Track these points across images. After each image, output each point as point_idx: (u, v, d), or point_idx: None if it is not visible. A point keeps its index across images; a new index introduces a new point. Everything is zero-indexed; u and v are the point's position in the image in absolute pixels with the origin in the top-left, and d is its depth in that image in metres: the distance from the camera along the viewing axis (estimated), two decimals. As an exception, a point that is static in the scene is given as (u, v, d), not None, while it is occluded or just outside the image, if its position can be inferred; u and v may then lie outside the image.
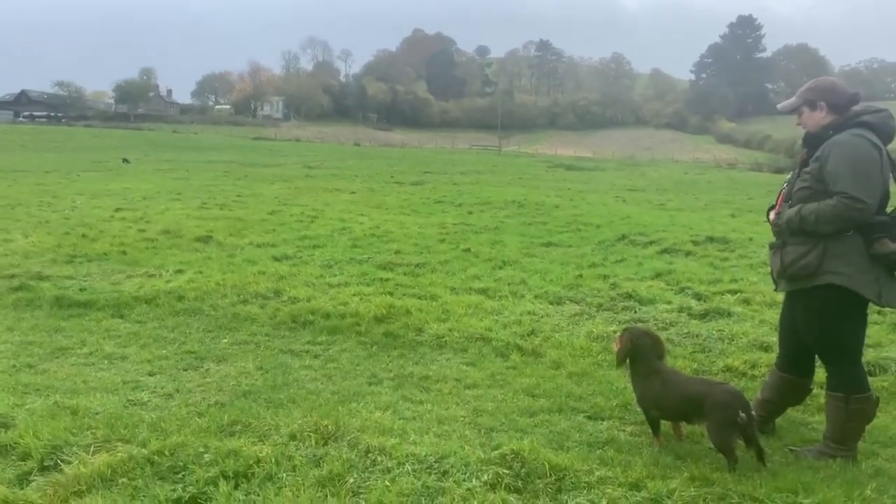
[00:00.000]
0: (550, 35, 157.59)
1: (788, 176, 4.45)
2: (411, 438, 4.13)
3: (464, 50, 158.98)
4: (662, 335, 6.65)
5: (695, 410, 4.07)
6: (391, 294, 8.19)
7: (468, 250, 11.47)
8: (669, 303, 7.87)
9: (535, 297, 8.20)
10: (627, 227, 14.67)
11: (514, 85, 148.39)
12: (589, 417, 4.81)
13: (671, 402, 4.21)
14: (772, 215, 4.39)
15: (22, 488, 3.47)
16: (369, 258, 10.67)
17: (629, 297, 8.08)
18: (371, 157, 58.34)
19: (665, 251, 11.72)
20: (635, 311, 7.57)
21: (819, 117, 4.19)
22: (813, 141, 4.19)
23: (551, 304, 7.92)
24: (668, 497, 3.38)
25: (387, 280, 9.06)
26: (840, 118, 4.12)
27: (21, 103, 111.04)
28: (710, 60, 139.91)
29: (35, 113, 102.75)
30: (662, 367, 4.45)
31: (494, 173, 39.72)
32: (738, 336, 6.59)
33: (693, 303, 7.86)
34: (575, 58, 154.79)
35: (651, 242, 12.45)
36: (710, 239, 12.69)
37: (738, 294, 8.23)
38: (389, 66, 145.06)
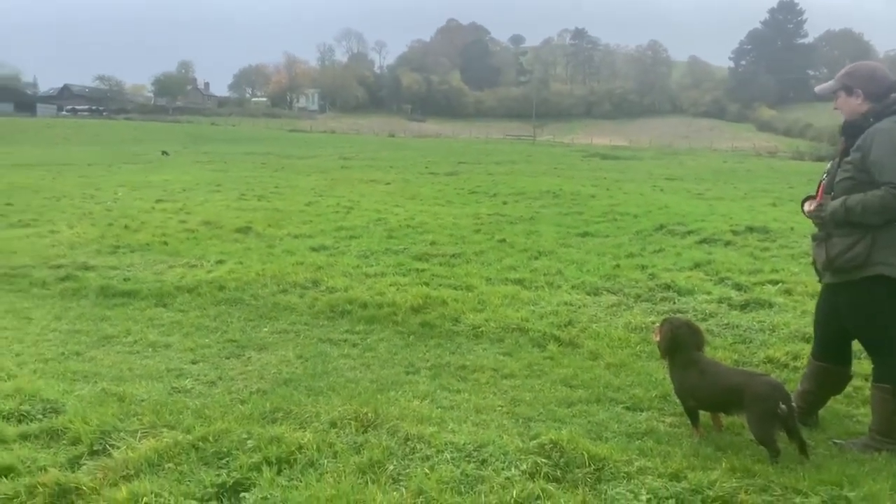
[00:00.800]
0: (586, 23, 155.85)
1: (828, 166, 4.35)
2: (450, 427, 4.16)
3: (498, 39, 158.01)
4: (702, 326, 6.62)
5: (734, 402, 4.03)
6: (427, 284, 8.23)
7: (503, 241, 11.46)
8: (709, 293, 7.77)
9: (572, 287, 8.16)
10: (665, 216, 14.49)
11: (549, 74, 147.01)
12: (627, 408, 4.79)
13: (710, 392, 4.17)
14: (807, 206, 4.30)
15: (73, 471, 3.58)
16: (405, 249, 10.72)
17: (668, 287, 8.00)
18: (405, 147, 58.47)
19: (704, 241, 11.56)
20: (674, 302, 7.50)
21: (855, 104, 4.08)
22: (852, 130, 4.08)
23: (588, 294, 7.88)
24: (709, 488, 3.35)
25: (423, 270, 9.11)
26: (879, 106, 4.00)
27: (64, 97, 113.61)
28: (749, 47, 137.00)
29: (77, 107, 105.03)
30: (701, 357, 4.40)
31: (529, 163, 39.52)
32: (780, 327, 6.49)
33: (733, 293, 7.75)
34: (611, 45, 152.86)
35: (689, 232, 12.28)
36: (750, 229, 12.47)
37: (780, 284, 8.09)
38: (424, 57, 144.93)
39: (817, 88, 4.38)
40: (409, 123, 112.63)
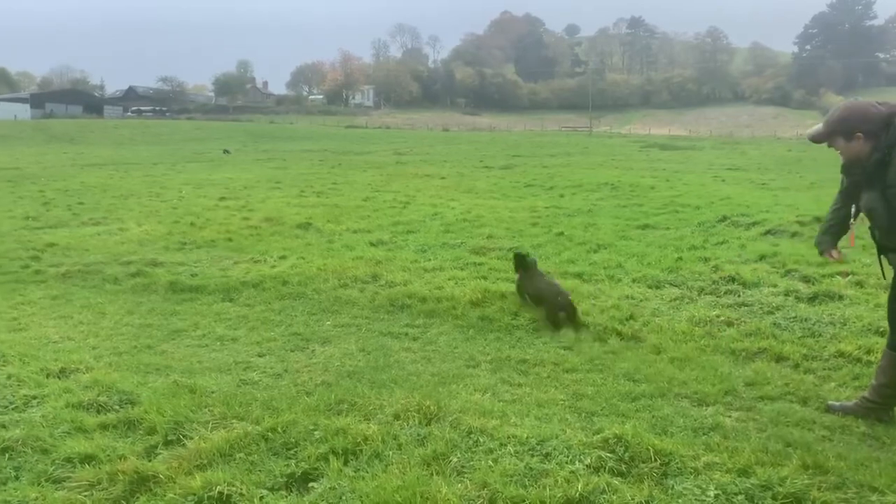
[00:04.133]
0: (642, 11, 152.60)
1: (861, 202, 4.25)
2: (512, 420, 4.17)
3: (553, 30, 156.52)
4: (768, 319, 6.47)
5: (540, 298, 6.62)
6: (485, 278, 8.25)
7: (561, 234, 11.37)
8: (775, 286, 7.57)
9: (633, 280, 8.06)
10: (728, 207, 14.14)
11: (605, 64, 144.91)
12: (693, 403, 4.72)
13: (531, 291, 6.87)
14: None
15: (150, 460, 3.72)
16: (462, 243, 10.75)
17: (732, 280, 7.82)
18: (459, 142, 58.51)
19: (769, 232, 11.24)
20: (739, 295, 7.33)
21: (858, 147, 4.00)
22: (857, 168, 4.09)
23: (650, 287, 7.77)
24: (780, 484, 3.28)
25: (480, 264, 9.13)
26: (882, 139, 3.92)
27: (129, 99, 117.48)
28: (814, 31, 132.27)
29: (142, 108, 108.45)
30: (535, 272, 7.07)
31: (585, 155, 39.09)
32: (851, 320, 6.28)
33: (801, 286, 7.53)
34: (669, 34, 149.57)
35: (754, 223, 11.96)
36: (818, 219, 12.02)
37: (850, 276, 7.82)
38: (477, 50, 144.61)
39: (808, 134, 4.27)
40: (462, 117, 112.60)
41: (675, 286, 7.83)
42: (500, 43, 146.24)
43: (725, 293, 7.46)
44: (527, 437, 3.78)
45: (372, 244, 10.79)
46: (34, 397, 4.57)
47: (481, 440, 3.79)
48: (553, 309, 6.47)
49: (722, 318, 6.53)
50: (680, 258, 9.20)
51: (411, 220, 13.21)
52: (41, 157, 34.01)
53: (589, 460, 3.51)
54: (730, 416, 4.46)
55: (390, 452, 3.64)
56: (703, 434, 4.10)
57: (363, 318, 7.01)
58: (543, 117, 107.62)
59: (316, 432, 3.90)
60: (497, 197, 17.74)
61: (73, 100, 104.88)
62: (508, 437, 3.80)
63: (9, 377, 4.90)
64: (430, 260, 9.49)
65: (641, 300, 7.29)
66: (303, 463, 3.55)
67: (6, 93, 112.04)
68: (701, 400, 4.76)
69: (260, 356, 5.85)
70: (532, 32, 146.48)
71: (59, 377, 4.99)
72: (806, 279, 7.84)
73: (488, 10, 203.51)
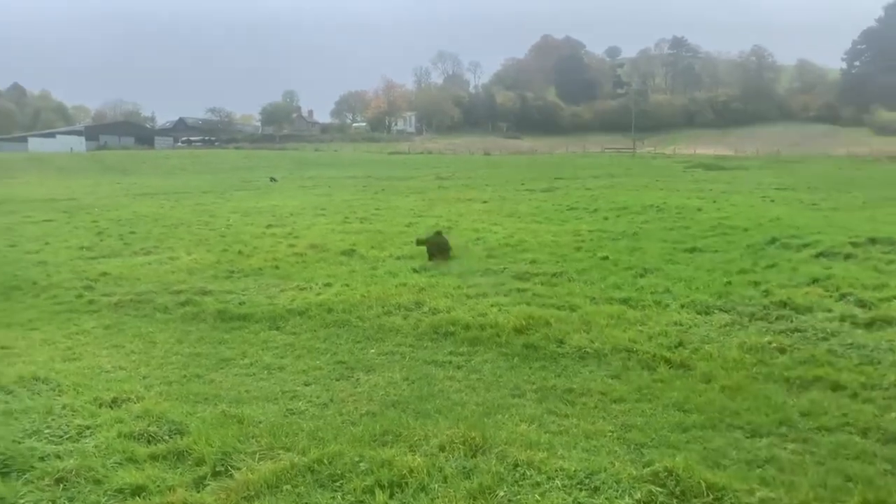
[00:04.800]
0: (684, 30, 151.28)
1: None
2: (559, 453, 4.11)
3: (594, 53, 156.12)
4: (823, 346, 6.27)
5: None
6: (529, 304, 8.19)
7: (606, 258, 11.24)
8: (829, 311, 7.35)
9: (681, 306, 7.91)
10: (778, 229, 13.81)
11: (648, 84, 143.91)
12: (746, 434, 4.59)
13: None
14: None
15: (199, 491, 3.77)
16: (505, 268, 10.70)
17: (784, 305, 7.62)
18: (501, 165, 58.54)
19: (821, 255, 10.93)
20: (791, 320, 7.14)
21: None
22: None
23: (699, 313, 7.61)
24: (841, 523, 3.16)
25: (524, 290, 9.07)
26: None
27: (179, 130, 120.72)
28: (863, 47, 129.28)
29: (191, 138, 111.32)
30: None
31: (629, 176, 38.72)
32: (913, 347, 6.05)
33: (857, 311, 7.29)
34: (712, 53, 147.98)
35: (805, 245, 11.65)
36: (873, 240, 11.69)
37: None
38: (518, 74, 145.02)
39: None
40: (504, 141, 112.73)
41: (725, 311, 7.66)
42: (540, 66, 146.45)
43: (777, 319, 7.27)
44: (575, 471, 3.72)
45: (415, 270, 10.81)
46: (87, 427, 4.67)
47: (528, 473, 3.74)
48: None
49: (774, 344, 6.36)
50: (729, 282, 9.00)
51: (454, 246, 13.19)
52: (95, 187, 35.09)
53: (639, 494, 3.44)
54: (785, 449, 4.32)
55: (436, 485, 3.62)
56: (758, 467, 3.98)
57: (407, 345, 7.01)
58: (586, 139, 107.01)
59: (362, 464, 3.90)
60: (540, 220, 17.65)
61: (125, 132, 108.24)
62: (556, 471, 3.74)
63: (64, 407, 5.02)
64: (472, 286, 9.46)
65: (690, 326, 7.14)
66: (349, 496, 3.56)
67: (63, 126, 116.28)
68: (754, 431, 4.62)
69: (306, 385, 5.88)
70: (573, 55, 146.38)
71: (111, 407, 5.09)
72: (862, 304, 7.60)
73: (528, 35, 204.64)
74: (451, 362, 6.40)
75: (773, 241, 12.31)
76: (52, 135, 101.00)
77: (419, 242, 11.81)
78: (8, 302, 9.63)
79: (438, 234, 12.05)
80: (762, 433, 4.58)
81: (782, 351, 6.22)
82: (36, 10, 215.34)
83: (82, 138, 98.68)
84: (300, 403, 5.36)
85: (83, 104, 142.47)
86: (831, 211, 18.52)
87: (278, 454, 4.14)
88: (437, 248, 11.67)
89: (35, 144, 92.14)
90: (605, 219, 17.45)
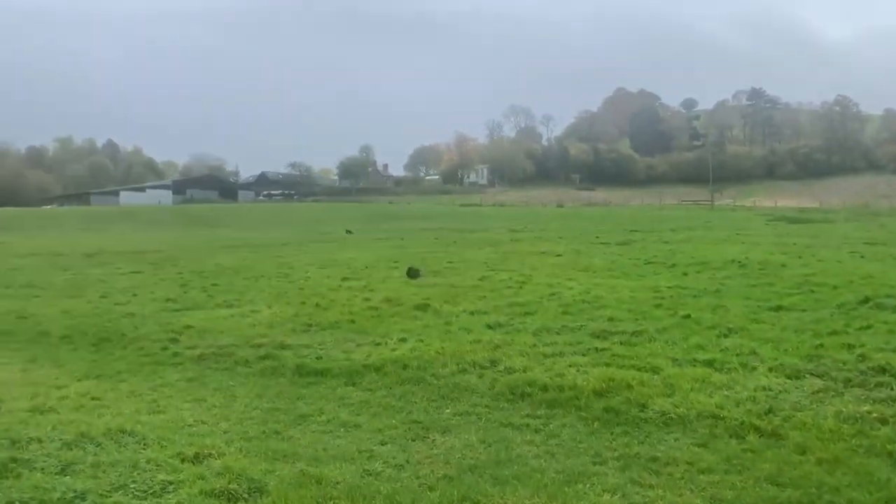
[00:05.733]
0: (762, 82, 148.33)
1: None
2: (645, 528, 3.92)
3: (668, 105, 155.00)
4: (931, 418, 5.84)
5: None
6: (608, 365, 7.98)
7: (688, 316, 10.88)
8: (935, 378, 6.87)
9: (769, 369, 7.55)
10: (871, 287, 13.13)
11: (725, 136, 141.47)
12: (848, 514, 4.28)
13: None
14: None
15: (277, 556, 3.75)
16: (581, 326, 10.50)
17: (883, 370, 7.18)
18: (575, 217, 58.19)
19: (922, 315, 10.30)
20: (892, 388, 6.70)
21: None
22: None
23: (789, 377, 7.25)
24: None
25: (602, 350, 8.86)
26: None
27: (261, 184, 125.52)
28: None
29: (272, 192, 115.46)
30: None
31: (708, 229, 37.78)
32: None
33: (966, 379, 6.80)
34: (792, 104, 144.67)
35: (902, 305, 11.02)
36: (979, 300, 10.97)
37: None
38: (591, 126, 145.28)
39: None
40: (577, 193, 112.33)
41: (817, 376, 7.27)
42: (614, 118, 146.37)
43: (876, 386, 6.85)
44: (663, 549, 3.53)
45: (489, 326, 10.74)
46: (170, 482, 4.76)
47: (613, 550, 3.57)
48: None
49: (874, 414, 5.98)
50: (820, 344, 8.57)
51: (528, 301, 13.08)
52: (180, 239, 36.63)
53: (735, 580, 3.22)
54: (894, 533, 4.00)
55: (516, 560, 3.49)
56: (865, 553, 3.69)
57: (483, 406, 6.92)
58: (661, 191, 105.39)
59: (440, 533, 3.81)
60: (616, 275, 17.33)
61: (210, 185, 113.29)
62: (643, 548, 3.56)
63: (148, 461, 5.14)
64: (548, 344, 9.31)
65: (780, 392, 6.80)
66: (428, 567, 3.46)
67: (153, 180, 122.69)
68: (857, 511, 4.31)
69: (382, 444, 5.85)
70: (647, 107, 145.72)
71: (193, 462, 5.18)
72: (972, 370, 7.08)
73: (602, 88, 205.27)
74: (528, 425, 6.26)
75: (866, 300, 11.69)
76: (142, 188, 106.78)
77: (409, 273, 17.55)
78: (99, 353, 10.03)
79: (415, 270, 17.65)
80: (866, 513, 4.27)
81: (884, 422, 5.83)
82: (129, 67, 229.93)
83: (170, 192, 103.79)
84: (377, 464, 5.32)
85: (172, 159, 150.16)
86: (929, 268, 17.51)
87: (356, 519, 4.10)
88: (414, 273, 17.32)
89: (126, 198, 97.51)
90: (685, 274, 16.99)
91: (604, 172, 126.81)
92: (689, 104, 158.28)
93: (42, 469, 4.96)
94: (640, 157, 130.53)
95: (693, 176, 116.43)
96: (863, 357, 7.76)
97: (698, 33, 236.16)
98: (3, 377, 8.44)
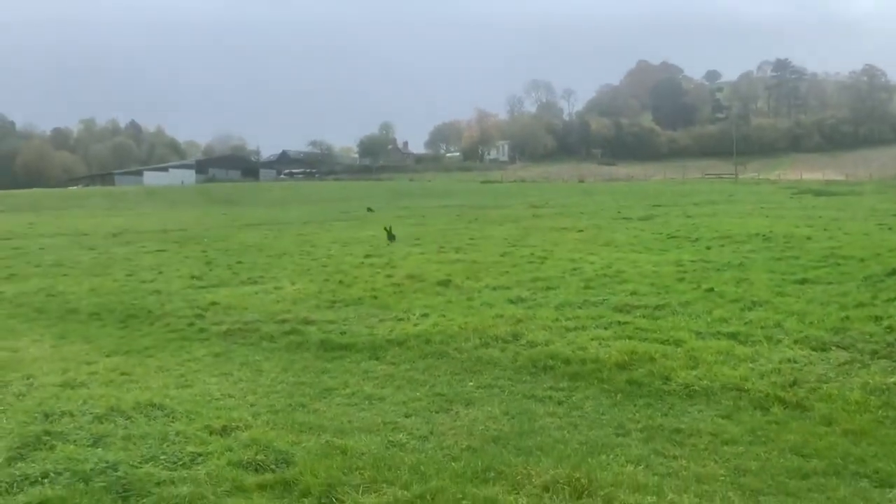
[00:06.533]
0: (788, 53, 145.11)
1: None
2: (669, 497, 3.95)
3: (692, 77, 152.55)
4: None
5: None
6: (631, 338, 7.97)
7: (711, 290, 10.80)
8: (964, 350, 6.78)
9: (794, 342, 7.49)
10: (898, 259, 12.94)
11: (749, 108, 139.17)
12: (873, 483, 4.28)
13: None
14: None
15: (305, 523, 3.82)
16: (604, 300, 10.48)
17: (910, 342, 7.09)
18: (596, 193, 57.74)
19: (950, 287, 10.15)
20: (920, 360, 6.63)
21: None
22: None
23: (814, 350, 7.19)
24: None
25: (625, 323, 8.83)
26: None
27: (282, 162, 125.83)
28: None
29: (293, 170, 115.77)
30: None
31: (732, 203, 37.34)
32: None
33: None
34: (819, 74, 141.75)
35: (931, 277, 10.85)
36: None
37: None
38: (613, 101, 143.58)
39: None
40: (598, 168, 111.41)
41: (843, 349, 7.20)
42: (636, 92, 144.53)
43: (904, 357, 6.77)
44: (687, 518, 3.55)
45: (511, 301, 10.74)
46: (199, 454, 4.85)
47: (637, 518, 3.60)
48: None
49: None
50: (846, 317, 8.47)
51: (550, 276, 13.06)
52: (204, 218, 36.94)
53: (759, 548, 3.23)
54: (921, 503, 3.99)
55: (541, 528, 3.53)
56: (891, 522, 3.69)
57: (505, 379, 6.95)
58: (684, 164, 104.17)
59: (464, 502, 3.87)
60: (638, 250, 17.22)
61: (232, 165, 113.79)
62: (667, 517, 3.58)
63: (177, 434, 5.24)
64: (570, 318, 9.30)
65: (805, 364, 6.76)
66: (453, 534, 3.51)
67: (175, 160, 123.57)
68: (883, 480, 4.30)
69: (406, 416, 5.91)
70: (670, 80, 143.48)
71: (221, 434, 5.27)
72: None
73: (624, 62, 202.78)
74: (551, 398, 6.28)
75: (893, 272, 11.51)
76: (165, 169, 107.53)
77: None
78: (126, 329, 10.20)
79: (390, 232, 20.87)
80: (892, 483, 4.26)
81: (911, 393, 5.77)
82: (149, 47, 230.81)
83: (192, 171, 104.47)
84: (401, 436, 5.38)
85: (194, 139, 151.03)
86: (959, 239, 17.19)
87: (381, 488, 4.16)
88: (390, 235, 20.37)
89: (149, 178, 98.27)
90: (708, 248, 16.84)
91: (625, 147, 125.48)
92: (713, 76, 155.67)
93: (74, 441, 5.08)
94: (663, 130, 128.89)
95: (716, 149, 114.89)
96: (890, 329, 7.67)
97: (721, 4, 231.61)
98: (35, 353, 8.63)
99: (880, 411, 5.44)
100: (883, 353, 6.92)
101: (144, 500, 4.16)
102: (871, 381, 6.07)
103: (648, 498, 3.84)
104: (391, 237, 20.80)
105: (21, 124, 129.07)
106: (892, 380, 6.04)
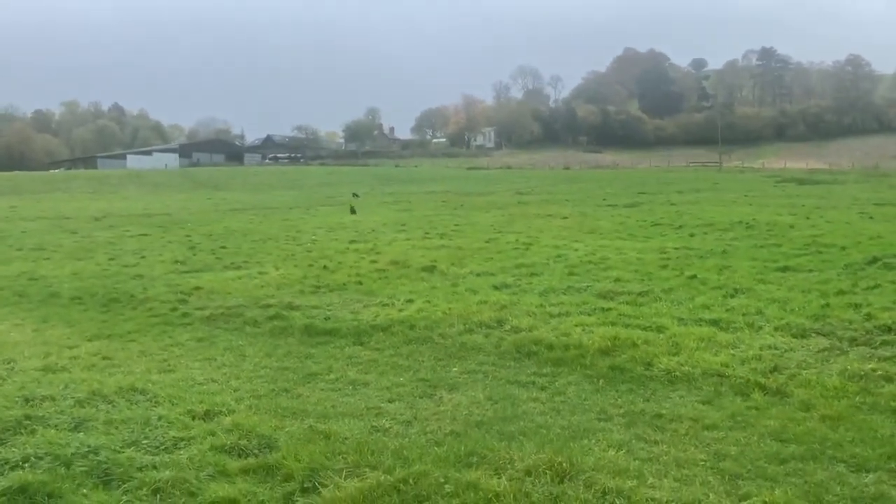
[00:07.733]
0: (773, 41, 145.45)
1: None
2: (649, 481, 3.99)
3: (678, 65, 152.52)
4: (935, 375, 5.86)
5: None
6: (614, 324, 8.02)
7: (694, 277, 10.90)
8: (941, 337, 6.88)
9: (775, 329, 7.57)
10: (879, 247, 13.10)
11: (735, 97, 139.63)
12: (850, 468, 4.33)
13: None
14: None
15: (287, 507, 3.83)
16: (588, 286, 10.53)
17: (888, 329, 7.20)
18: (581, 180, 57.86)
19: (929, 275, 10.28)
20: (897, 347, 6.72)
21: None
22: None
23: (794, 337, 7.27)
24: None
25: (608, 310, 8.89)
26: None
27: (267, 147, 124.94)
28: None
29: (278, 155, 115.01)
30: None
31: (716, 191, 37.60)
32: None
33: (972, 337, 6.80)
34: (803, 63, 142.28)
35: (910, 265, 10.99)
36: None
37: None
38: (599, 88, 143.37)
39: None
40: (584, 155, 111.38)
41: (823, 335, 7.29)
42: (622, 79, 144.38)
43: (882, 344, 6.87)
44: (666, 501, 3.61)
45: (496, 287, 10.77)
46: (181, 439, 4.84)
47: (617, 502, 3.66)
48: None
49: (879, 372, 6.00)
50: (826, 304, 8.58)
51: (534, 263, 13.11)
52: (188, 202, 36.67)
53: (736, 531, 3.28)
54: (895, 486, 4.05)
55: (523, 511, 3.56)
56: (866, 506, 3.75)
57: (489, 364, 6.98)
58: (670, 153, 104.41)
59: (447, 486, 3.88)
60: (623, 237, 17.32)
61: (216, 149, 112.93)
62: (647, 500, 3.64)
63: (159, 418, 5.22)
64: (555, 304, 9.35)
65: (785, 350, 6.83)
66: (435, 518, 3.53)
67: (159, 144, 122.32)
68: (860, 465, 4.36)
69: (390, 402, 5.92)
70: (656, 67, 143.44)
71: (203, 419, 5.26)
72: (978, 329, 7.09)
73: (611, 49, 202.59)
74: (534, 383, 6.32)
75: (873, 260, 11.68)
76: (148, 152, 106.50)
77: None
78: (108, 314, 10.13)
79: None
80: (869, 468, 4.32)
81: (888, 379, 5.86)
82: (133, 29, 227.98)
83: (176, 155, 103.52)
84: (385, 421, 5.39)
85: (178, 123, 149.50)
86: (938, 228, 17.41)
87: (364, 472, 4.18)
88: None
89: (133, 161, 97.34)
90: (692, 235, 16.98)
91: (612, 134, 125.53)
92: (699, 64, 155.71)
93: (56, 426, 5.05)
94: (649, 118, 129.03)
95: (702, 137, 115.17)
96: (869, 316, 7.78)
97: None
98: (16, 337, 8.56)
99: (858, 397, 5.51)
100: (861, 340, 7.01)
101: (126, 485, 4.14)
102: (849, 367, 6.15)
103: (629, 482, 3.87)
104: (353, 211, 26.67)
105: (1, 107, 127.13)
106: (869, 366, 6.12)
